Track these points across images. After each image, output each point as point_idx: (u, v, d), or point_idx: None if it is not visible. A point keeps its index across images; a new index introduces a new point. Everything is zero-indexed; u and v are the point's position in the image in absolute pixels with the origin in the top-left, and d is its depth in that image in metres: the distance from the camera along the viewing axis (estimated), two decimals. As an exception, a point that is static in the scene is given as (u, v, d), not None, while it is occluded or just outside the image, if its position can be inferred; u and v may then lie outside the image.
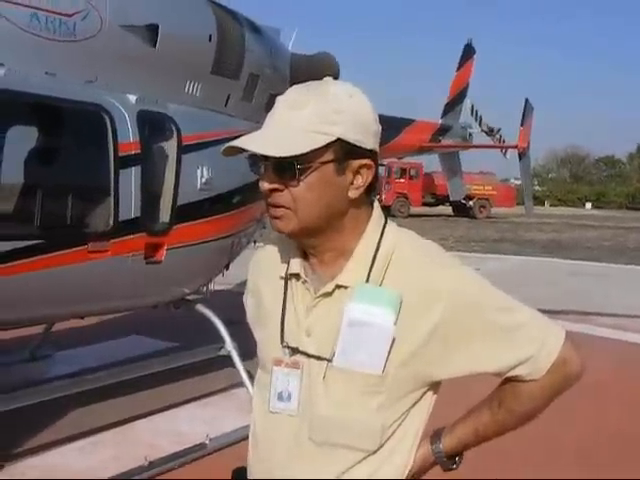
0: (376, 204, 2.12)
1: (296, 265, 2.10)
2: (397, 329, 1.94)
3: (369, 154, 1.99)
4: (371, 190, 2.06)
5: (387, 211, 45.94)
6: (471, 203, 49.36)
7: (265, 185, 1.96)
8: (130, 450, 6.16)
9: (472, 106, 15.53)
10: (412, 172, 48.76)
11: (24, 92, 5.70)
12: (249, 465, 2.22)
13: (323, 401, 2.01)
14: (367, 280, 1.99)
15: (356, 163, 1.97)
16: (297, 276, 2.09)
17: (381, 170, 48.88)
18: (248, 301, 2.33)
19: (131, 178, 6.33)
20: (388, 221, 2.12)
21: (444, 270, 2.02)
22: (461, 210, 49.23)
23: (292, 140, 1.90)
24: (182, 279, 7.29)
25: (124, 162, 6.30)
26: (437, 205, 49.51)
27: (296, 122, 1.92)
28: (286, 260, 2.13)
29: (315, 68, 9.06)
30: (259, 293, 2.24)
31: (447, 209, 50.22)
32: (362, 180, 1.99)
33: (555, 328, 2.10)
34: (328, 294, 2.02)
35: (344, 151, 1.95)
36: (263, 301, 2.21)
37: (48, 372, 8.28)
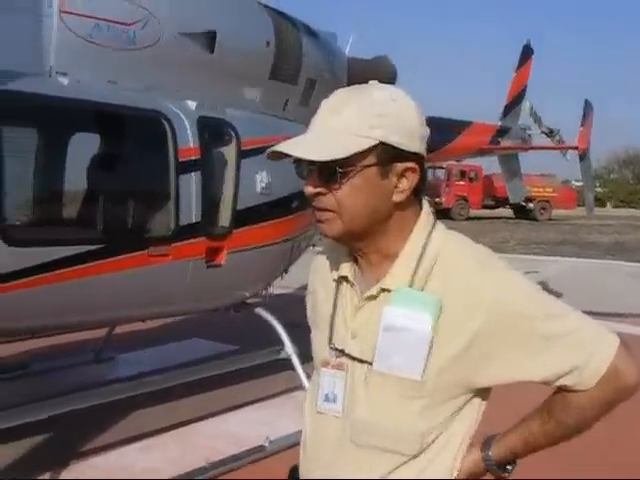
0: (426, 206, 2.12)
1: (346, 268, 2.12)
2: (436, 334, 1.93)
3: (414, 157, 1.99)
4: (418, 192, 2.05)
5: (447, 214, 45.99)
6: (532, 205, 48.75)
7: (309, 189, 1.98)
8: (189, 452, 6.23)
9: (531, 107, 15.32)
10: (472, 174, 48.34)
11: (86, 100, 5.82)
12: (300, 464, 2.25)
13: (363, 404, 2.02)
14: (411, 284, 1.98)
15: (400, 166, 1.97)
16: (346, 279, 2.11)
17: (441, 173, 48.63)
18: (307, 302, 2.37)
19: (191, 183, 6.40)
20: (437, 223, 2.11)
21: (489, 276, 1.99)
22: (522, 212, 48.64)
23: (334, 144, 1.91)
24: (242, 283, 7.34)
25: (184, 167, 6.37)
26: (497, 207, 48.93)
27: (339, 126, 1.93)
28: (338, 263, 2.15)
29: (372, 72, 9.06)
30: (315, 295, 2.28)
31: (507, 211, 49.63)
32: (407, 183, 1.99)
33: (607, 336, 2.01)
34: (373, 297, 2.04)
35: (387, 154, 1.95)
36: (317, 303, 2.24)
37: (111, 374, 8.43)
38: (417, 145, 1.99)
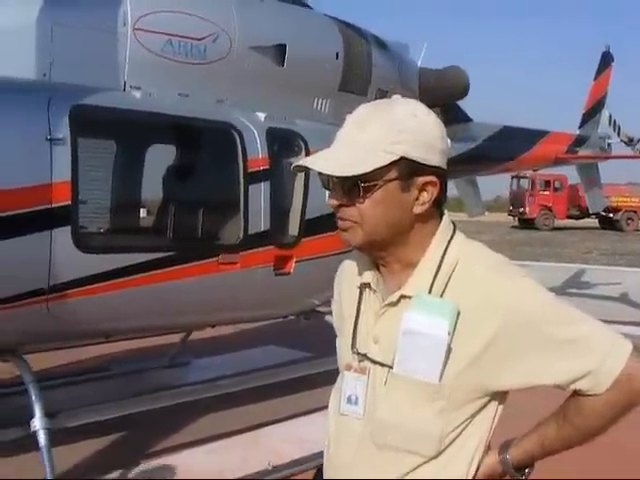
0: (445, 216, 2.18)
1: (369, 275, 2.21)
2: (453, 339, 2.00)
3: (435, 170, 2.07)
4: (439, 204, 2.13)
5: (531, 224, 45.35)
6: (618, 215, 47.75)
7: (333, 201, 2.09)
8: (256, 454, 6.37)
9: (610, 116, 15.04)
10: (556, 184, 47.60)
11: (159, 113, 6.04)
12: (323, 464, 2.35)
13: (384, 406, 2.10)
14: (429, 291, 2.06)
15: (421, 180, 2.05)
16: (369, 286, 2.21)
17: (525, 182, 48.02)
18: (333, 309, 2.48)
19: (260, 193, 6.56)
20: (456, 232, 2.18)
21: (505, 282, 2.06)
22: (607, 223, 47.69)
23: (357, 159, 2.00)
24: (311, 290, 7.42)
25: (254, 177, 6.54)
26: (582, 217, 47.95)
27: (361, 141, 2.02)
28: (362, 271, 2.24)
29: (444, 82, 9.13)
30: (340, 301, 2.38)
31: (593, 221, 48.71)
32: (427, 196, 2.07)
33: (620, 342, 2.06)
34: (394, 303, 2.12)
35: (408, 169, 2.03)
36: (342, 309, 2.34)
37: (184, 378, 8.67)
38: (437, 159, 2.07)
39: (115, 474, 6.02)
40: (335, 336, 2.41)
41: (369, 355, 2.15)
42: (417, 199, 2.06)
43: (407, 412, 2.07)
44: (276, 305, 7.21)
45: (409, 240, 2.11)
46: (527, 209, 47.27)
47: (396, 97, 2.16)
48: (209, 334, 8.56)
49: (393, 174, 2.02)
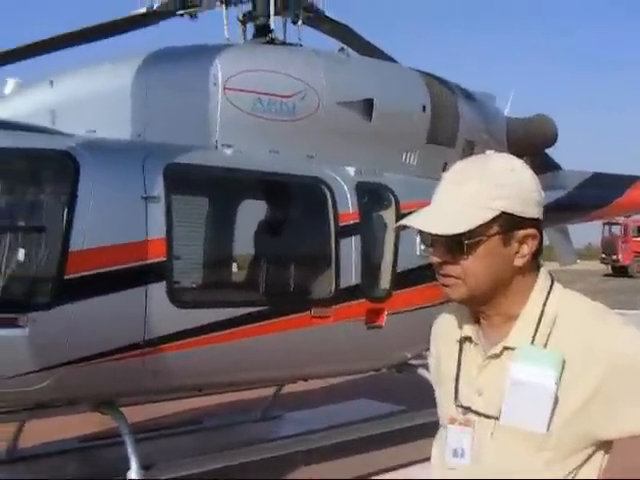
0: (543, 267, 2.18)
1: (469, 329, 2.21)
2: (560, 389, 2.00)
3: (533, 223, 2.08)
4: (537, 255, 2.13)
5: (624, 271, 44.25)
6: None
7: (435, 259, 2.10)
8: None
9: None
10: (649, 229, 46.50)
11: (250, 170, 6.18)
12: None
13: (492, 457, 2.09)
14: (532, 342, 2.06)
15: (521, 233, 2.06)
16: (470, 339, 2.21)
17: (616, 229, 47.03)
18: (430, 363, 2.49)
19: (351, 246, 6.62)
20: (554, 283, 2.17)
21: (606, 331, 2.06)
22: None
23: (459, 217, 2.03)
24: (403, 344, 7.41)
25: (345, 231, 6.61)
26: (678, 263, 46.61)
27: (461, 198, 2.05)
28: (461, 324, 2.25)
29: (532, 131, 9.09)
30: (438, 355, 2.38)
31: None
32: (528, 249, 2.08)
33: None
34: (497, 355, 2.12)
35: (509, 223, 2.04)
36: (441, 363, 2.34)
37: (276, 431, 8.66)
38: (535, 211, 2.09)
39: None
40: (432, 390, 2.40)
41: (473, 408, 2.14)
42: (517, 252, 2.08)
43: (516, 462, 2.06)
44: (368, 358, 7.21)
45: (510, 293, 2.12)
46: (620, 256, 46.17)
47: (490, 152, 2.23)
48: (301, 387, 8.58)
49: (494, 229, 2.04)
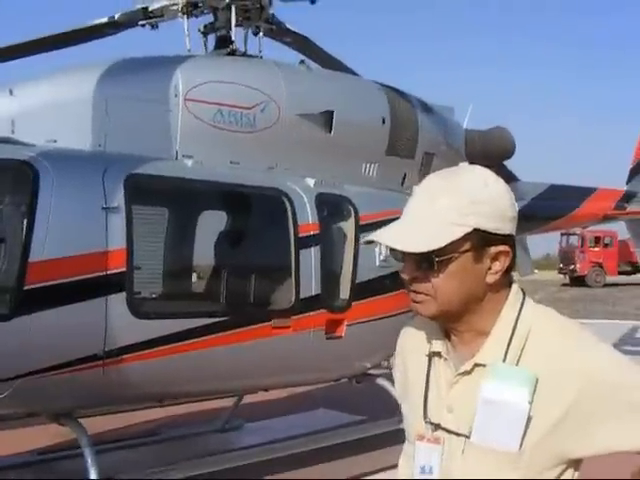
0: (514, 283, 2.17)
1: (438, 344, 2.19)
2: (533, 408, 1.99)
3: (506, 239, 2.06)
4: (509, 272, 2.11)
5: (582, 281, 44.68)
6: (672, 271, 46.95)
7: (405, 275, 2.08)
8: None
9: (659, 169, 14.92)
10: (606, 240, 47.01)
11: (210, 181, 6.19)
12: None
13: (462, 476, 2.08)
14: (504, 359, 2.05)
15: (493, 250, 2.03)
16: (439, 354, 2.18)
17: (574, 239, 47.55)
18: (396, 376, 2.45)
19: (311, 257, 6.64)
20: (526, 299, 2.16)
21: (580, 348, 2.05)
22: (661, 278, 46.93)
23: (430, 234, 1.99)
24: (362, 354, 7.44)
25: (304, 242, 6.63)
26: (634, 273, 47.12)
27: (433, 215, 2.01)
28: (429, 339, 2.22)
29: (490, 143, 9.19)
30: (405, 369, 2.35)
31: (646, 277, 47.86)
32: (500, 265, 2.05)
33: None
34: (467, 372, 2.10)
35: (481, 240, 2.01)
36: (408, 377, 2.31)
37: (238, 441, 8.65)
38: (509, 227, 2.05)
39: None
40: (391, 400, 2.40)
41: (443, 425, 2.13)
42: (490, 269, 2.05)
43: None
44: (328, 369, 7.24)
45: (481, 309, 2.10)
46: (577, 266, 46.64)
47: (464, 165, 2.15)
48: (261, 397, 8.58)
49: (466, 246, 2.01)
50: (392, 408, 7.36)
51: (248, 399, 8.85)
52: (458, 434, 2.08)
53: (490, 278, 2.06)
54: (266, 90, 6.45)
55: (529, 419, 1.99)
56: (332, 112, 6.86)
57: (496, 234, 2.03)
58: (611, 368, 2.04)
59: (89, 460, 5.44)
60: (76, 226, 5.43)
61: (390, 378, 7.63)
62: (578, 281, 46.26)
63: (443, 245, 1.98)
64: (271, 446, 7.21)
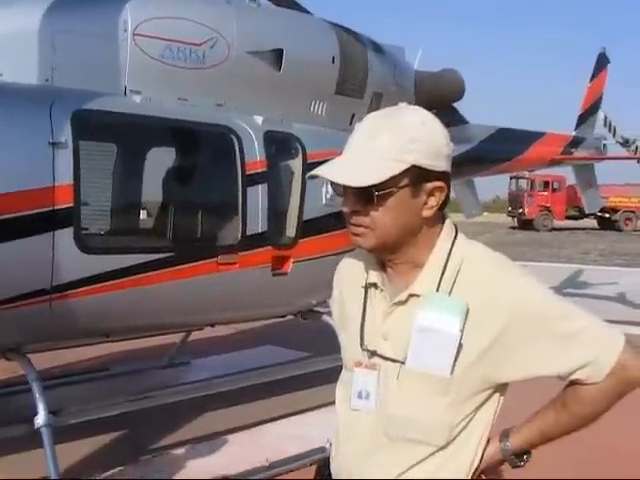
0: (448, 218, 2.31)
1: (374, 275, 2.32)
2: (463, 336, 2.13)
3: (442, 176, 2.19)
4: (443, 207, 2.24)
5: (530, 224, 45.31)
6: (616, 216, 47.83)
7: (346, 209, 2.19)
8: (255, 452, 6.47)
9: (605, 117, 15.09)
10: (555, 185, 47.68)
11: (158, 117, 6.16)
12: (332, 458, 2.46)
13: (397, 399, 2.22)
14: (437, 289, 2.19)
15: (429, 185, 2.17)
16: (375, 285, 2.31)
17: (523, 183, 48.06)
18: (333, 308, 2.59)
19: (258, 195, 6.66)
20: (458, 234, 2.30)
21: (509, 280, 2.21)
22: (606, 223, 47.77)
23: (370, 169, 2.11)
24: (308, 291, 7.51)
25: (251, 180, 6.65)
26: (581, 218, 47.89)
27: (373, 151, 2.13)
28: (366, 271, 2.34)
29: (440, 85, 9.23)
30: (342, 301, 2.48)
31: (592, 222, 48.73)
32: (435, 201, 2.19)
33: (614, 334, 2.23)
34: (402, 302, 2.23)
35: (418, 176, 2.14)
36: (346, 308, 2.44)
37: (183, 377, 8.76)
38: (444, 165, 2.18)
39: (115, 471, 6.13)
40: (336, 337, 2.50)
41: (379, 352, 2.25)
42: (426, 203, 2.18)
43: (420, 405, 2.19)
44: (274, 305, 7.33)
45: (417, 242, 2.22)
46: (526, 210, 47.30)
47: (403, 105, 2.25)
48: (207, 334, 8.67)
49: (404, 181, 2.13)
50: (337, 345, 7.57)
51: (195, 336, 8.94)
52: (394, 360, 2.21)
53: (426, 212, 2.19)
54: (216, 26, 6.39)
55: (460, 346, 2.13)
56: (282, 50, 6.82)
57: (433, 170, 2.15)
58: (537, 299, 2.19)
59: (37, 394, 5.47)
60: (22, 161, 5.38)
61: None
62: (526, 224, 46.97)
63: (383, 180, 2.10)
64: (215, 381, 7.30)
